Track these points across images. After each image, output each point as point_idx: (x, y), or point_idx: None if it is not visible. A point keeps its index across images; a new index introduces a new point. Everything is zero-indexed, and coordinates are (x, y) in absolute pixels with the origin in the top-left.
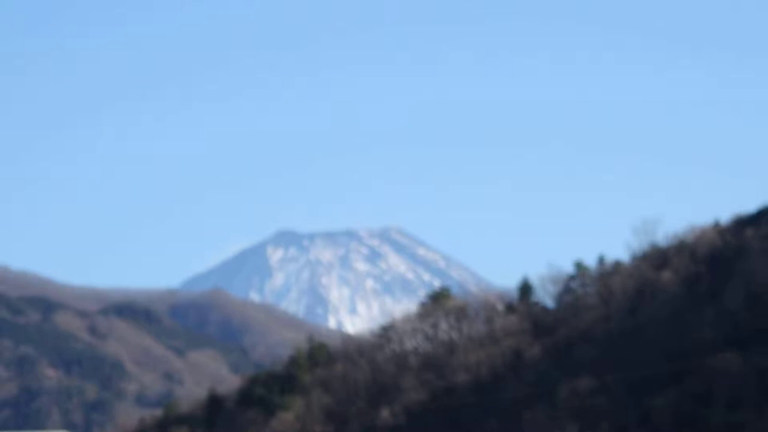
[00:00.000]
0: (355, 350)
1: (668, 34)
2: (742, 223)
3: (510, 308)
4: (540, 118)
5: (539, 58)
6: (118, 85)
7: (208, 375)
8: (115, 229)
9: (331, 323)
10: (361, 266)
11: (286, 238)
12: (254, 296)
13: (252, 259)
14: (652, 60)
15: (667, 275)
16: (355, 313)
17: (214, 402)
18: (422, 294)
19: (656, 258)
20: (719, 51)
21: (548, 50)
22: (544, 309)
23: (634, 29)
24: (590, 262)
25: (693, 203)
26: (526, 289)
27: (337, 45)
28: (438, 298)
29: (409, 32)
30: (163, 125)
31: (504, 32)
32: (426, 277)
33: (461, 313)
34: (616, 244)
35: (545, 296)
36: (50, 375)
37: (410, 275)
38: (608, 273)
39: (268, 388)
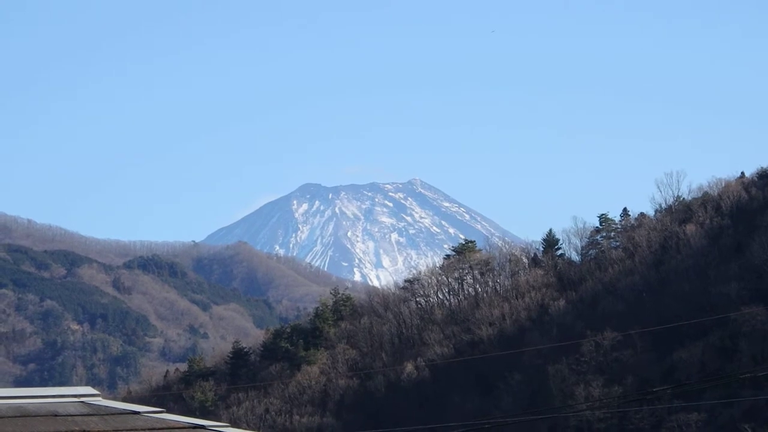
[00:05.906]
0: (380, 304)
1: None
2: (767, 176)
3: (535, 261)
4: (564, 72)
5: (566, 6)
6: (146, 30)
7: (232, 329)
8: (140, 183)
9: (356, 277)
10: (386, 219)
11: (311, 192)
12: (279, 250)
13: (277, 213)
14: (677, 12)
15: (691, 228)
16: (380, 267)
17: (239, 356)
18: (447, 247)
19: (681, 211)
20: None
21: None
22: (569, 262)
23: None
24: (615, 215)
25: (718, 156)
26: (551, 242)
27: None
28: (463, 252)
29: None
30: (192, 77)
31: None
32: (451, 230)
33: (486, 266)
34: (640, 197)
35: (570, 249)
36: (75, 329)
37: (435, 228)
38: (633, 226)
39: (293, 342)
